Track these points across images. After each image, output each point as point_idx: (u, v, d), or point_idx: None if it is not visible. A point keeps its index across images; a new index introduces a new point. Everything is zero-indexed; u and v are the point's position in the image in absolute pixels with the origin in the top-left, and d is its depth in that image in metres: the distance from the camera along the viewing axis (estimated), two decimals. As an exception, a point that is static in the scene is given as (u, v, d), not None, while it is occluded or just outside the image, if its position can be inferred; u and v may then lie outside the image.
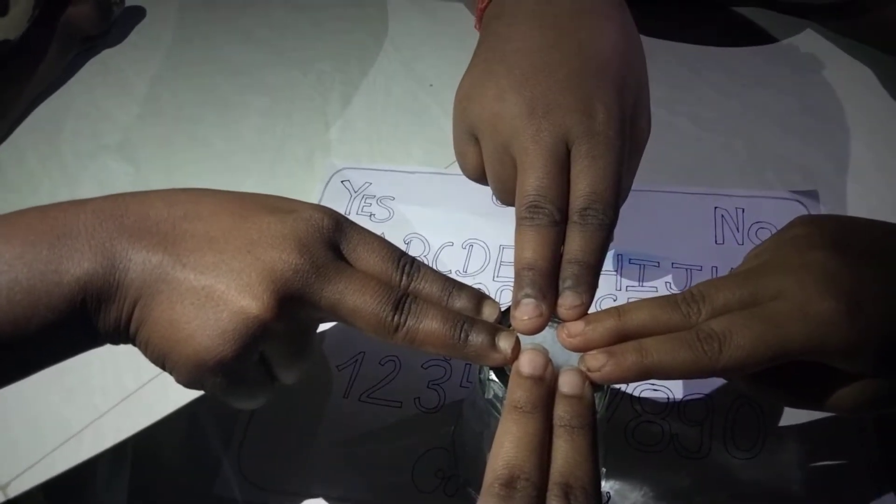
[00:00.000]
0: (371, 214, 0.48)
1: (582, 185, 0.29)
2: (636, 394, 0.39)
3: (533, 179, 0.30)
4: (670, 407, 0.38)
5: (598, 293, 0.43)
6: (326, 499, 0.36)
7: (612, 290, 0.44)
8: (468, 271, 0.45)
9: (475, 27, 0.38)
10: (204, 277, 0.25)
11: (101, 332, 0.26)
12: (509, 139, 0.31)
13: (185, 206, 0.27)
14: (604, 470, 0.36)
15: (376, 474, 0.37)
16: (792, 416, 0.37)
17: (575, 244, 0.29)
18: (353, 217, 0.48)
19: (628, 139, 0.31)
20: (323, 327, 0.34)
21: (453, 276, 0.44)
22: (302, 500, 0.36)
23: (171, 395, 0.39)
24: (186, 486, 0.37)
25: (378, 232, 0.47)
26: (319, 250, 0.27)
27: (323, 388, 0.40)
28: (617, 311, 0.28)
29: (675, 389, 0.39)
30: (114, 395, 0.40)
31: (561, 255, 0.29)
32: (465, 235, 0.47)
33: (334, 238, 0.28)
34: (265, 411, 0.39)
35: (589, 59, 0.31)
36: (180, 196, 0.27)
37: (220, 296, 0.25)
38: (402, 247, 0.47)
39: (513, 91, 0.31)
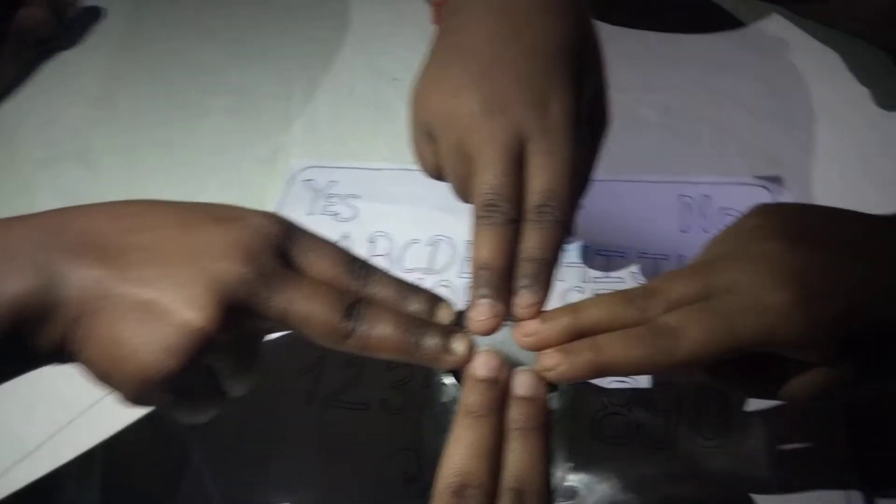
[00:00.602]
0: (335, 214, 0.48)
1: (537, 183, 0.29)
2: (603, 386, 0.39)
3: (488, 177, 0.29)
4: (637, 398, 0.38)
5: (565, 285, 0.44)
6: (293, 505, 0.36)
7: (579, 283, 0.44)
8: (434, 268, 0.45)
9: (432, 21, 0.37)
10: (147, 291, 0.25)
11: (41, 353, 0.25)
12: (465, 137, 0.31)
13: (128, 220, 0.26)
14: (570, 465, 0.36)
15: (343, 478, 0.37)
16: (757, 403, 0.38)
17: (531, 242, 0.29)
18: (317, 217, 0.48)
19: (584, 134, 0.31)
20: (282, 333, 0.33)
21: (419, 273, 0.45)
22: (268, 508, 0.36)
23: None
24: (149, 499, 0.37)
25: (343, 231, 0.48)
26: (267, 258, 0.26)
27: (286, 395, 0.40)
28: (572, 308, 0.28)
29: (641, 380, 0.39)
30: (73, 408, 0.39)
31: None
32: (432, 232, 0.46)
33: (283, 245, 0.27)
34: (228, 420, 0.39)
35: (544, 54, 0.31)
36: (124, 209, 0.27)
37: (163, 309, 0.24)
38: (368, 245, 0.47)
39: (467, 88, 0.31)
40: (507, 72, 0.30)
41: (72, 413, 0.39)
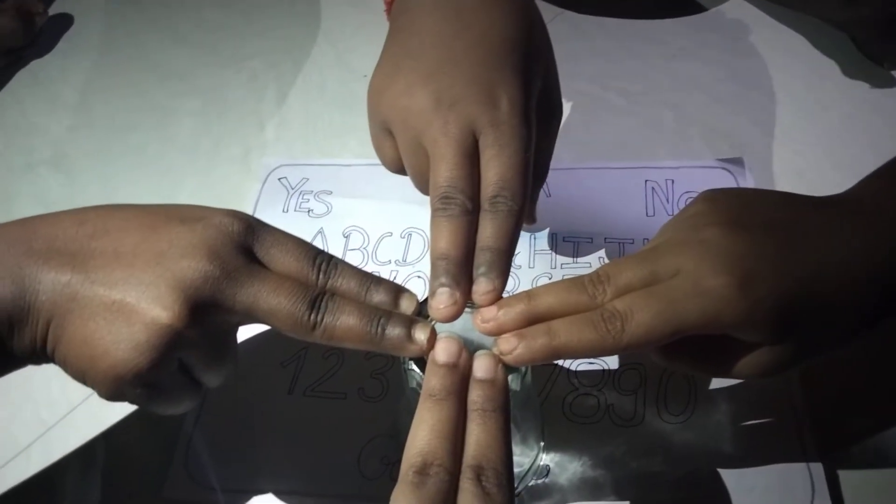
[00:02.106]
0: (309, 210, 0.49)
1: (490, 174, 0.30)
2: (573, 368, 0.40)
3: (443, 171, 0.30)
4: (606, 378, 0.40)
5: (535, 272, 0.45)
6: (276, 493, 0.37)
7: (548, 269, 0.45)
8: (407, 260, 0.46)
9: (385, 15, 0.38)
10: (114, 292, 0.25)
11: (18, 355, 0.26)
12: (420, 132, 0.31)
13: (93, 224, 0.27)
14: (542, 444, 0.37)
15: (324, 465, 0.38)
16: (719, 381, 0.39)
17: (486, 231, 0.30)
18: (291, 214, 0.49)
19: (534, 124, 0.32)
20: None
21: (393, 265, 0.46)
22: (251, 497, 0.37)
23: (117, 403, 0.39)
24: (135, 490, 0.38)
25: (317, 227, 0.49)
26: (230, 255, 0.27)
27: (268, 386, 0.41)
28: (527, 294, 0.29)
29: (610, 361, 0.40)
30: (60, 408, 0.40)
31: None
32: (404, 224, 0.47)
33: (246, 242, 0.28)
34: (211, 412, 0.40)
35: (492, 47, 0.32)
36: (89, 214, 0.27)
37: (130, 309, 0.25)
38: (342, 240, 0.48)
39: (419, 85, 0.31)
40: (456, 67, 0.31)
41: (59, 413, 0.40)
